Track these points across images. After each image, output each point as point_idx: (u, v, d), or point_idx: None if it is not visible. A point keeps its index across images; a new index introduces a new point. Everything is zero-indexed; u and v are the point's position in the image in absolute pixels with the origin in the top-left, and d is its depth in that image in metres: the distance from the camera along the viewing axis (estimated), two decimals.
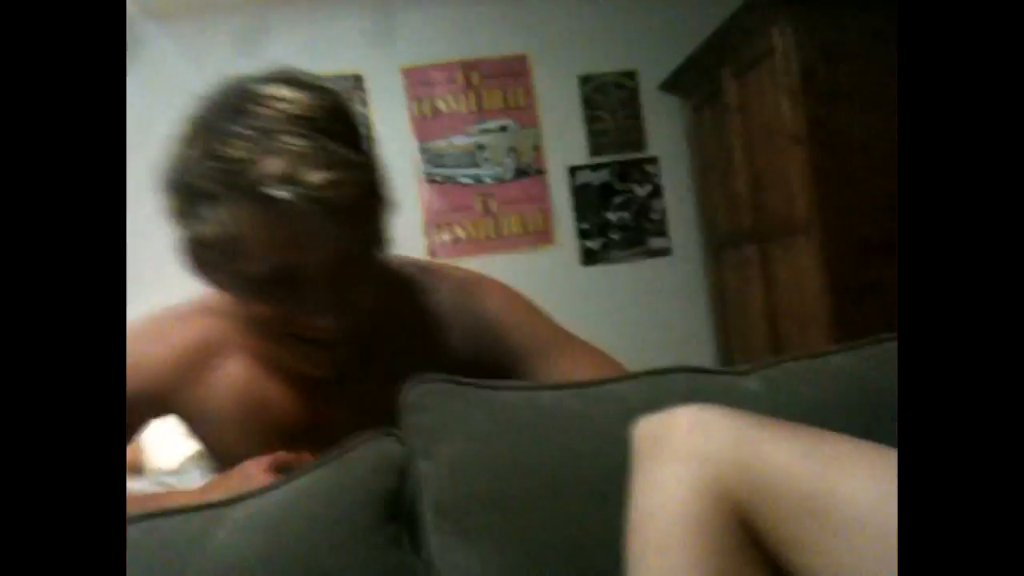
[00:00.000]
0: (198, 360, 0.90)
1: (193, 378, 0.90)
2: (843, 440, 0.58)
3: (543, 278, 2.89)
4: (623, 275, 2.96)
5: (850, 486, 0.53)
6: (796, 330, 2.43)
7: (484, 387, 0.86)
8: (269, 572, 0.72)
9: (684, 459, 0.57)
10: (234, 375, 0.91)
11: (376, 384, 0.89)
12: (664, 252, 3.01)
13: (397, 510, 0.80)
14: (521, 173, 2.91)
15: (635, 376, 0.85)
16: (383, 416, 0.85)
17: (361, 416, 0.87)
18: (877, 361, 0.86)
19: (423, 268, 0.99)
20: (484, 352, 0.95)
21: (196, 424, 0.95)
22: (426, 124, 2.87)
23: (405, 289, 0.96)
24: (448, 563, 0.77)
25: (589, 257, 2.94)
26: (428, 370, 0.85)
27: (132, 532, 0.75)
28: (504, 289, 1.02)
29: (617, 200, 2.98)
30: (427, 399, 0.84)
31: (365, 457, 0.82)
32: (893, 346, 0.87)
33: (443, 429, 0.81)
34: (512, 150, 2.90)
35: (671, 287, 3.00)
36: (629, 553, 0.59)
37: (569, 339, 0.99)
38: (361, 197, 0.77)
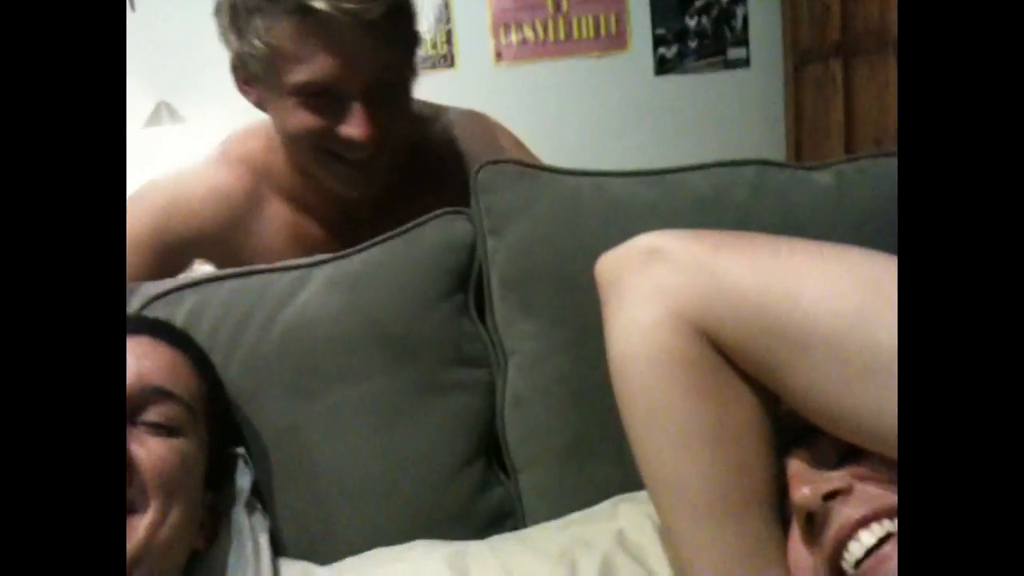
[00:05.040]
0: (243, 207, 0.98)
1: (240, 226, 0.98)
2: (812, 250, 0.54)
3: (614, 86, 2.80)
4: (698, 86, 2.85)
5: (811, 300, 0.50)
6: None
7: (553, 171, 0.88)
8: (346, 328, 0.79)
9: (646, 298, 0.55)
10: (276, 221, 0.99)
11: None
12: (742, 64, 2.87)
13: (465, 283, 0.85)
14: None
15: (706, 166, 0.85)
16: None
17: None
18: None
19: (436, 106, 1.06)
20: None
21: None
22: None
23: (429, 124, 1.02)
24: (512, 333, 0.82)
25: (663, 66, 2.83)
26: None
27: (229, 286, 0.82)
28: (509, 131, 1.10)
29: (697, 4, 2.82)
30: (498, 180, 0.86)
31: (436, 233, 0.85)
32: None
33: (512, 210, 0.84)
34: None
35: (747, 101, 2.88)
36: (616, 395, 0.58)
37: None
38: (392, 16, 0.82)
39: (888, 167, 0.85)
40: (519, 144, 1.08)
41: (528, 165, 0.87)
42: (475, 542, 0.69)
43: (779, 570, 0.53)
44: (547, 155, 1.06)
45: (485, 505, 0.77)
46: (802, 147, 2.83)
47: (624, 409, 0.57)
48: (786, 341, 0.50)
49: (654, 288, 0.55)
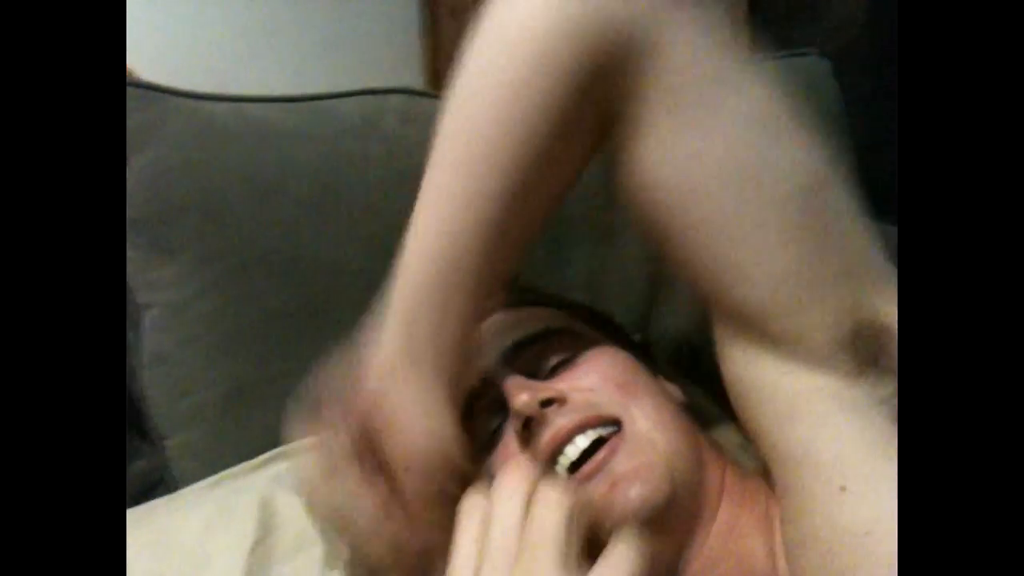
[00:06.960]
0: None
1: None
2: None
3: (243, 2, 2.61)
4: (333, 8, 2.75)
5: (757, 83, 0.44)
6: None
7: (181, 94, 0.78)
8: None
9: None
10: None
11: None
12: None
13: None
14: None
15: (350, 94, 0.82)
16: None
17: None
18: None
19: None
20: None
21: None
22: None
23: None
24: (146, 281, 0.73)
25: None
26: None
27: None
28: None
29: None
30: None
31: None
32: None
33: (137, 136, 0.73)
34: None
35: (385, 28, 2.87)
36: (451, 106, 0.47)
37: None
38: None
39: None
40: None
41: (148, 85, 0.76)
42: None
43: None
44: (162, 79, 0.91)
45: (128, 479, 0.68)
46: (439, 76, 2.90)
47: (452, 117, 0.47)
48: (698, 120, 0.44)
49: None
